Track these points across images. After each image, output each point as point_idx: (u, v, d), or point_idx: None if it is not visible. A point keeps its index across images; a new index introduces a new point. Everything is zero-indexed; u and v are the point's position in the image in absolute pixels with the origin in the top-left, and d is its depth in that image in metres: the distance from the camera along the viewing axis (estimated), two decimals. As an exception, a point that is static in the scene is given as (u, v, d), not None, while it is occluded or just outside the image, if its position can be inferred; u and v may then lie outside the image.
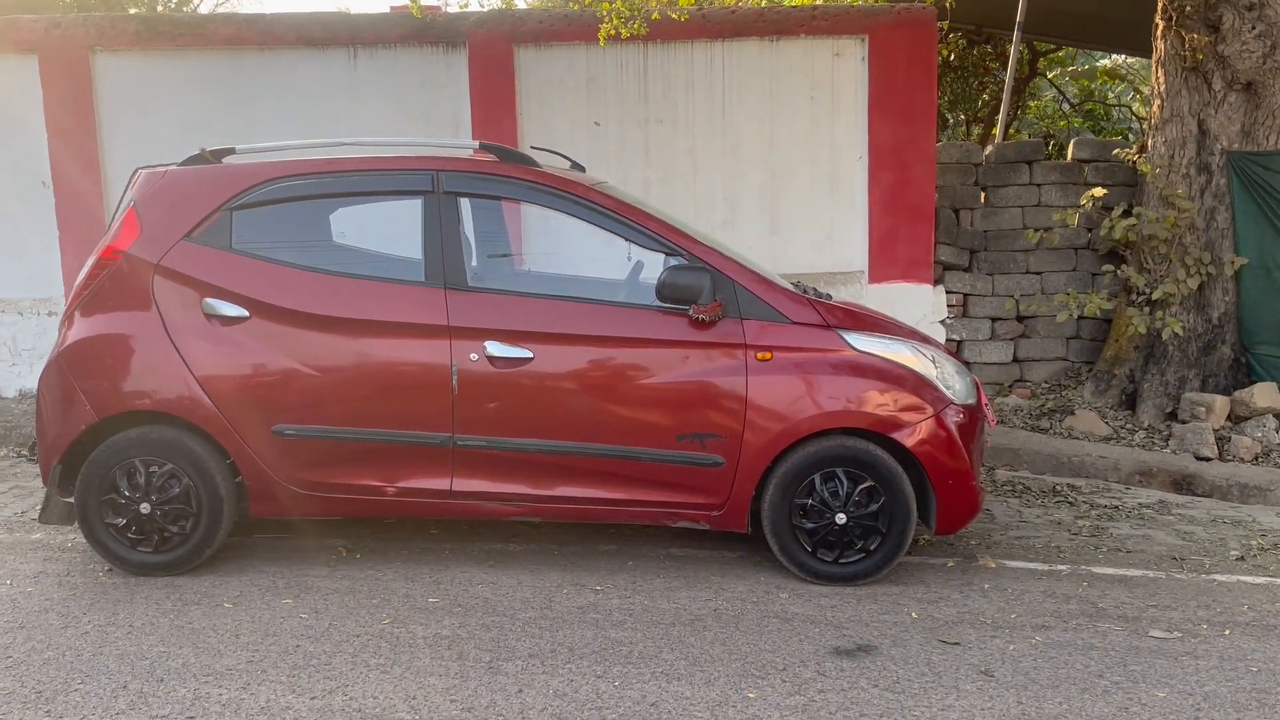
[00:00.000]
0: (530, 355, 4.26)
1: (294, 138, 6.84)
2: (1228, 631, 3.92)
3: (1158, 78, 7.27)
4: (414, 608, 4.07)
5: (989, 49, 13.02)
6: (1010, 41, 12.31)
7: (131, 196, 4.48)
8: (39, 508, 4.55)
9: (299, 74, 7.32)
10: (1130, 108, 14.33)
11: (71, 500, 4.37)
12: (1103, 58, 14.93)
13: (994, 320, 7.89)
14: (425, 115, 7.35)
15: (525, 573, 4.47)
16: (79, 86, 7.23)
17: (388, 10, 7.79)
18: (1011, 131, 13.39)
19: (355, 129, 7.22)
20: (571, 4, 8.85)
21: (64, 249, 7.34)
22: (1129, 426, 7.08)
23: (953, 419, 4.33)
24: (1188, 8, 6.80)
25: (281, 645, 3.71)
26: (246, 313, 4.30)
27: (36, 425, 4.43)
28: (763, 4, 9.84)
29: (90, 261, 4.47)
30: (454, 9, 7.48)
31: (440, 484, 4.35)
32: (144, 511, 4.29)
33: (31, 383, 7.40)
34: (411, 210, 4.40)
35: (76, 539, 4.81)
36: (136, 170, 4.58)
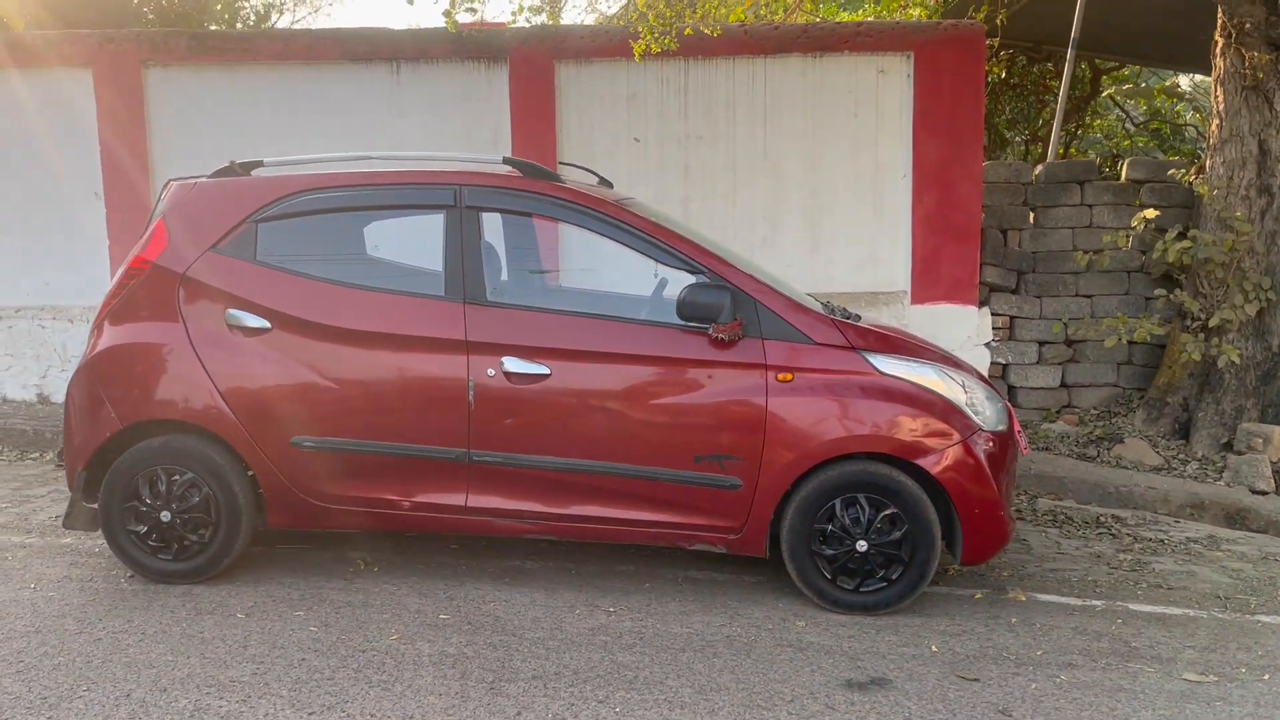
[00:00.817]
0: (548, 371, 4.22)
1: (337, 151, 6.95)
2: (1266, 676, 3.73)
3: (1216, 97, 7.03)
4: (424, 624, 4.04)
5: (1049, 67, 12.76)
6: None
7: (162, 208, 4.55)
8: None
9: (343, 88, 7.42)
10: (1196, 128, 13.92)
11: (95, 506, 4.42)
12: (1167, 76, 14.55)
13: (1041, 344, 7.68)
14: (466, 130, 7.39)
15: (539, 591, 4.42)
16: (131, 99, 7.40)
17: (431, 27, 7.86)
18: (1073, 150, 13.09)
19: (397, 143, 7.28)
20: (616, 20, 8.85)
21: (113, 258, 7.50)
22: (1181, 457, 6.82)
23: (981, 446, 4.19)
24: (1248, 25, 6.57)
25: (288, 658, 3.70)
26: (268, 324, 4.32)
27: (64, 431, 4.49)
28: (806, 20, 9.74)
29: (120, 271, 4.54)
30: (494, 22, 7.47)
31: (455, 499, 4.32)
32: (164, 519, 4.33)
33: (79, 389, 7.56)
34: (434, 224, 4.39)
35: (103, 545, 4.87)
36: (169, 182, 4.65)
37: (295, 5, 33.54)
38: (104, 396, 4.37)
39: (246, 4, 31.76)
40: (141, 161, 7.44)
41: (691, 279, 4.27)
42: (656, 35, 6.31)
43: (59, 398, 7.67)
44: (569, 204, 4.39)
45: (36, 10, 16.39)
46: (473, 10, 6.63)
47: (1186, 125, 14.42)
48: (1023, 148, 14.22)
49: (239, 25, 28.11)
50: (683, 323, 4.20)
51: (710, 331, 4.16)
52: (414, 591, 4.39)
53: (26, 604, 4.18)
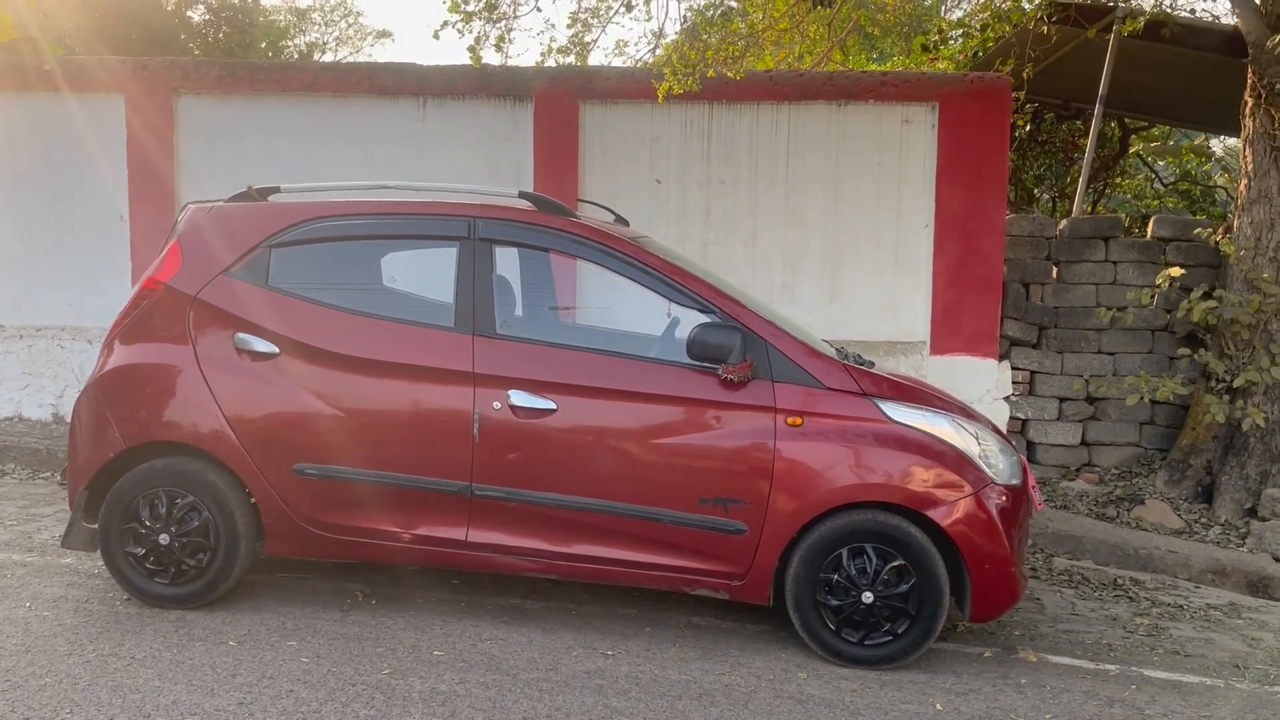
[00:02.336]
0: (554, 407, 4.17)
1: (362, 181, 7.01)
2: (1286, 752, 3.58)
3: (1245, 157, 6.96)
4: (417, 659, 3.96)
5: (1078, 125, 12.74)
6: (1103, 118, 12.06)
7: (178, 230, 4.56)
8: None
9: (370, 121, 7.48)
10: (1225, 190, 13.83)
11: (95, 527, 4.39)
12: (1197, 136, 14.48)
13: (1062, 400, 7.56)
14: (489, 166, 7.43)
15: (537, 631, 4.34)
16: (161, 126, 7.50)
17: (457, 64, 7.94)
18: (1100, 209, 13.02)
19: (421, 176, 7.32)
20: (642, 63, 8.91)
21: (135, 280, 7.55)
22: (1204, 521, 6.66)
23: (993, 500, 4.09)
24: (1277, 86, 6.52)
25: (276, 689, 3.63)
26: (277, 349, 4.31)
27: (68, 450, 4.48)
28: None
29: (134, 291, 4.55)
30: (519, 63, 7.53)
31: (456, 534, 4.26)
32: (163, 542, 4.29)
33: (94, 410, 7.58)
34: (446, 255, 4.38)
35: (103, 566, 4.83)
36: (186, 205, 4.67)
37: (338, 46, 34.30)
38: (110, 416, 4.35)
39: (290, 44, 32.46)
40: (168, 187, 7.52)
41: (703, 318, 4.23)
42: (680, 77, 6.33)
43: (74, 418, 7.69)
44: (582, 239, 4.36)
45: (89, 37, 16.80)
46: (500, 48, 6.68)
47: (1217, 187, 14.33)
48: (1050, 204, 14.17)
49: (311, 58, 28.65)
50: (693, 362, 4.15)
51: (720, 372, 4.10)
52: (410, 626, 4.31)
53: (19, 622, 4.13)
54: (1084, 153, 13.29)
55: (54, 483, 6.67)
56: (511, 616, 4.51)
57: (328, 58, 33.12)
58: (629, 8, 6.30)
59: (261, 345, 4.32)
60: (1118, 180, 14.26)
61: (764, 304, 4.69)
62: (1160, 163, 14.36)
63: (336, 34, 34.36)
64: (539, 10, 7.24)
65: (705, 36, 7.29)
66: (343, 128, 7.49)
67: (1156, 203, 14.53)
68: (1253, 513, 6.62)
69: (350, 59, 33.91)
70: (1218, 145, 15.18)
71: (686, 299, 4.29)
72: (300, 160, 7.47)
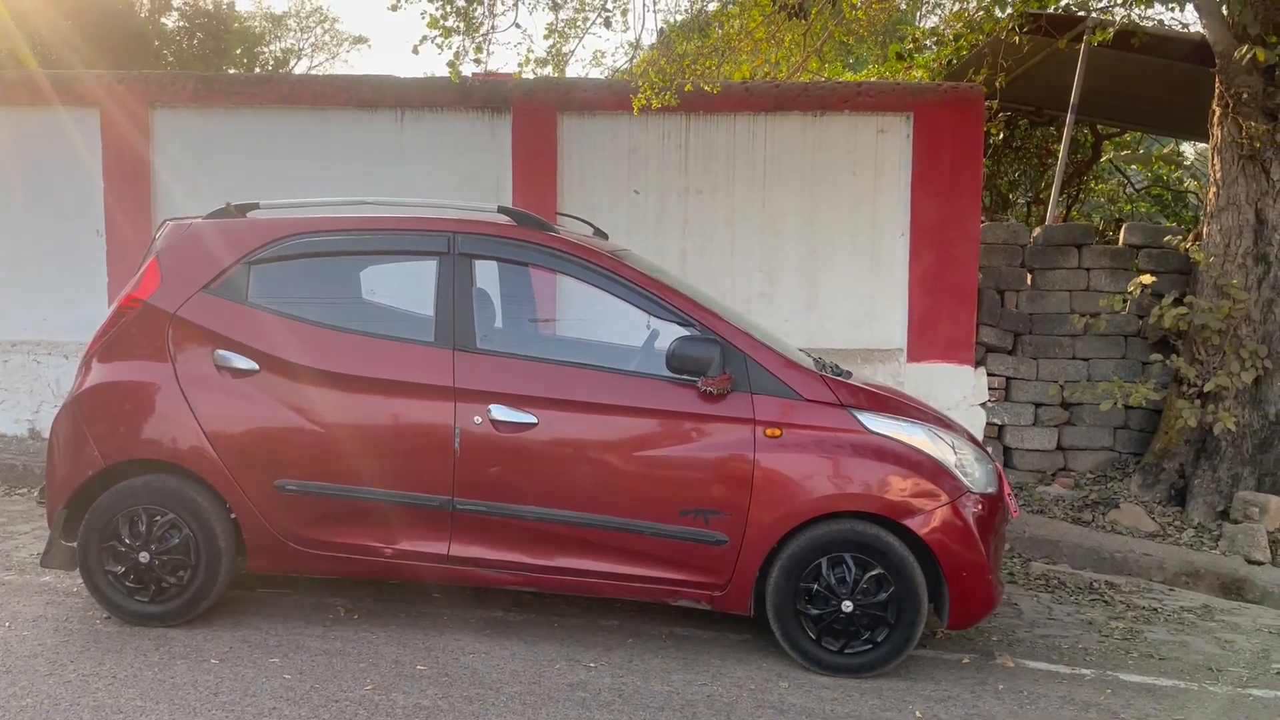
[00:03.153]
0: (535, 420, 4.20)
1: (341, 196, 7.00)
2: (1257, 754, 3.64)
3: (1214, 165, 7.07)
4: (400, 674, 3.97)
5: (1052, 131, 12.88)
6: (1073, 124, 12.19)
7: (157, 247, 4.56)
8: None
9: (348, 134, 7.48)
10: (1196, 195, 14.00)
11: (74, 545, 4.38)
12: (1167, 143, 14.66)
13: (1037, 405, 7.64)
14: (468, 178, 7.44)
15: (520, 644, 4.35)
16: (137, 139, 7.47)
17: (435, 76, 7.95)
18: (1075, 214, 13.16)
19: (400, 189, 7.33)
20: (620, 75, 8.96)
21: (112, 296, 7.51)
22: (1177, 524, 6.75)
23: (970, 508, 4.14)
24: (1245, 95, 6.63)
25: (258, 707, 3.63)
26: (256, 366, 4.31)
27: (46, 468, 4.46)
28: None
29: (112, 309, 4.54)
30: (500, 73, 7.55)
31: (438, 548, 4.27)
32: (143, 560, 4.28)
33: (71, 425, 7.54)
34: (426, 271, 4.40)
35: (82, 584, 4.81)
36: (164, 221, 4.66)
37: (313, 52, 34.16)
38: (88, 434, 4.34)
39: (265, 50, 32.30)
40: (144, 201, 7.49)
41: (682, 331, 4.26)
42: (657, 91, 6.37)
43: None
44: (562, 254, 4.39)
45: (61, 49, 16.71)
46: (478, 61, 6.70)
47: (1189, 192, 14.51)
48: (1025, 210, 14.31)
49: (257, 70, 28.59)
50: (672, 375, 4.18)
51: (699, 385, 4.14)
52: (392, 641, 4.32)
53: (-1, 643, 4.12)
54: (1057, 158, 13.49)
55: (30, 499, 6.63)
56: (494, 630, 4.53)
57: (303, 64, 33.01)
58: (607, 24, 6.34)
59: (241, 362, 4.32)
60: (1091, 185, 14.42)
61: (742, 316, 4.73)
62: (1133, 168, 14.54)
63: (312, 40, 34.23)
64: (517, 26, 7.21)
65: (681, 48, 7.30)
66: (321, 140, 7.49)
67: (1129, 207, 14.69)
68: (1225, 515, 6.72)
69: (326, 65, 33.79)
70: (1189, 149, 15.36)
71: (665, 312, 4.32)
72: (278, 173, 7.46)
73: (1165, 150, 12.46)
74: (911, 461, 4.15)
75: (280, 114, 7.49)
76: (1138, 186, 14.68)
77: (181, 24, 25.47)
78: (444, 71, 6.99)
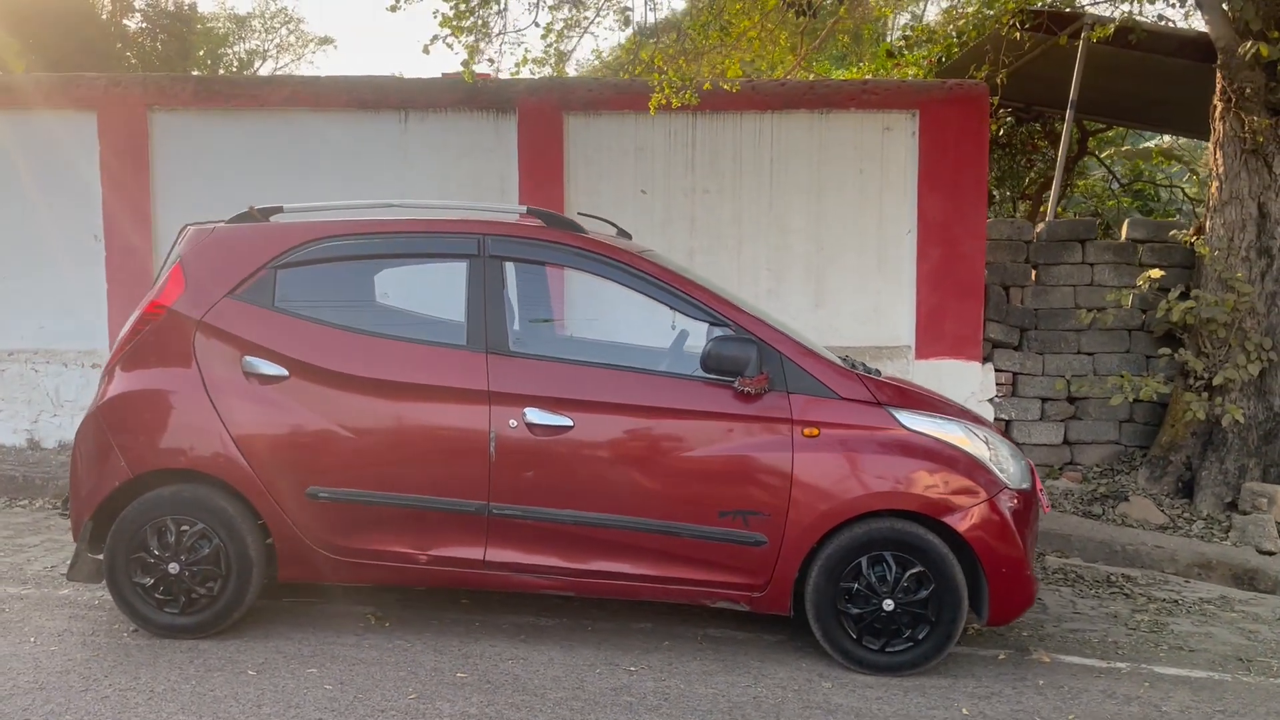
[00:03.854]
0: (570, 424, 4.16)
1: (344, 198, 6.93)
2: (1304, 744, 3.67)
3: (1216, 160, 7.13)
4: (441, 682, 3.92)
5: (1037, 127, 12.98)
6: (1058, 120, 12.29)
7: (178, 252, 4.48)
8: (68, 564, 4.47)
9: (350, 136, 7.41)
10: (1183, 189, 14.17)
11: (101, 557, 4.29)
12: (1152, 138, 14.81)
13: (1044, 400, 7.69)
14: (473, 179, 7.39)
15: (556, 649, 4.32)
16: (135, 143, 7.36)
17: (440, 76, 7.89)
18: (1060, 210, 13.27)
19: (404, 190, 7.27)
20: (622, 74, 8.92)
21: (112, 302, 7.40)
22: (1186, 516, 6.81)
23: (1006, 504, 4.15)
24: (1248, 90, 6.69)
25: (303, 718, 3.57)
26: (286, 372, 4.25)
27: (71, 480, 4.37)
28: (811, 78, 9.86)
29: (134, 316, 4.45)
30: (503, 75, 7.50)
31: (474, 554, 4.23)
32: (172, 571, 4.20)
33: (72, 434, 7.40)
34: (456, 273, 4.35)
35: (103, 596, 4.73)
36: (185, 226, 4.58)
37: (279, 53, 33.79)
38: (114, 444, 4.26)
39: (230, 51, 31.93)
40: (143, 206, 7.38)
41: (713, 331, 4.24)
42: (676, 89, 6.34)
43: (50, 443, 7.52)
44: (593, 255, 4.36)
45: (27, 53, 16.43)
46: (491, 61, 6.65)
47: (1172, 186, 14.67)
48: (1012, 206, 14.41)
49: (221, 70, 28.26)
50: (707, 375, 4.16)
51: (736, 385, 4.12)
52: (429, 648, 4.27)
53: (28, 659, 4.03)
54: (1043, 154, 13.59)
55: (34, 510, 6.52)
56: (528, 635, 4.48)
57: (268, 65, 32.65)
58: (626, 22, 6.30)
59: (270, 368, 4.26)
60: (1077, 182, 14.55)
61: (772, 316, 4.71)
62: (1117, 164, 14.68)
63: (277, 41, 33.83)
64: (536, 25, 7.15)
65: (699, 43, 7.28)
66: (323, 143, 7.41)
67: (1114, 203, 14.84)
68: (1233, 506, 6.79)
69: (292, 66, 33.44)
70: (1164, 141, 15.53)
71: (700, 312, 4.30)
72: (279, 176, 7.37)
73: (1163, 147, 12.56)
74: (949, 458, 4.15)
75: (281, 116, 7.40)
76: (1122, 182, 14.83)
77: (144, 25, 25.15)
78: (427, 72, 6.93)
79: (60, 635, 4.30)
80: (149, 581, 4.22)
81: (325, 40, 35.02)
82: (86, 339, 7.45)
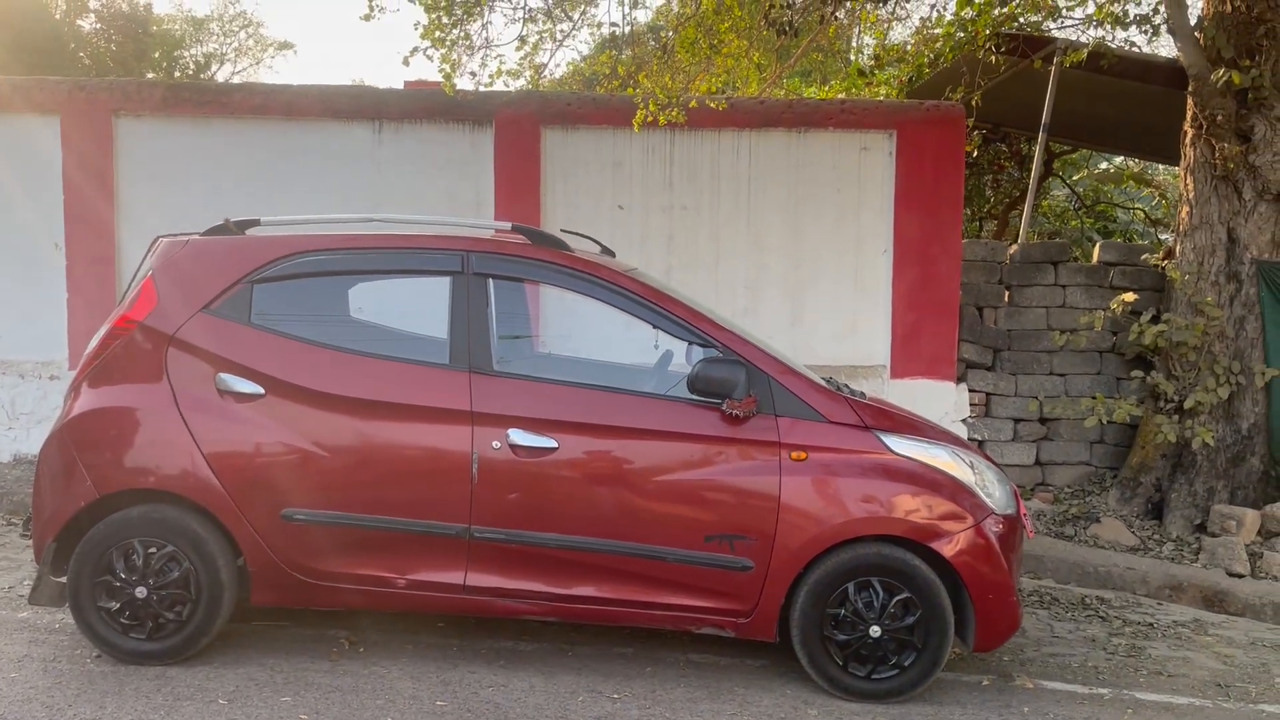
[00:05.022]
0: (555, 445, 4.08)
1: (315, 209, 6.80)
2: (1290, 773, 3.68)
3: (1186, 184, 7.22)
4: (421, 711, 3.82)
5: (1003, 147, 13.13)
6: (1024, 140, 12.45)
7: (150, 265, 4.35)
8: (29, 587, 4.31)
9: (322, 146, 7.27)
10: (1144, 211, 14.40)
11: (64, 580, 4.13)
12: (1113, 160, 15.04)
13: (1016, 421, 7.73)
14: (448, 191, 7.29)
15: (537, 675, 4.22)
16: (99, 149, 7.17)
17: (401, 86, 7.78)
18: (1030, 233, 13.42)
19: (377, 202, 7.15)
20: (598, 87, 8.88)
21: (72, 312, 7.19)
22: (1156, 537, 6.86)
23: (992, 529, 4.13)
24: (1219, 117, 6.78)
25: (279, 750, 3.45)
26: (262, 390, 4.12)
27: (33, 500, 4.21)
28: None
29: (103, 331, 4.31)
30: (474, 87, 7.40)
31: (454, 578, 4.12)
32: (139, 595, 4.05)
33: (29, 447, 7.20)
34: (438, 290, 4.26)
35: (65, 620, 4.56)
36: (157, 238, 4.45)
37: (237, 57, 33.34)
38: (80, 463, 4.10)
39: (186, 54, 31.46)
40: (107, 213, 7.18)
41: (702, 352, 4.19)
42: (662, 107, 6.29)
43: (5, 457, 7.29)
44: (579, 273, 4.29)
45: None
46: (473, 75, 6.57)
47: (1132, 208, 14.92)
48: (977, 224, 14.57)
49: (177, 74, 27.85)
50: (694, 397, 4.10)
51: (724, 407, 4.06)
52: (405, 675, 4.16)
53: (-14, 687, 3.86)
54: (1009, 174, 13.76)
55: (-11, 527, 6.30)
56: (507, 660, 4.39)
57: (226, 69, 32.23)
58: (606, 40, 6.23)
59: (245, 385, 4.13)
60: (1041, 202, 14.74)
61: (758, 336, 4.67)
62: (1082, 185, 14.90)
63: (236, 45, 33.39)
64: (523, 40, 7.07)
65: (686, 61, 7.25)
66: (294, 152, 7.27)
67: (1076, 223, 15.06)
68: (1202, 528, 6.85)
69: (250, 71, 33.02)
70: (1133, 164, 15.80)
71: (687, 332, 4.25)
72: (249, 186, 7.22)
73: (1135, 170, 12.76)
74: (936, 483, 4.12)
75: (251, 124, 7.25)
76: (1086, 204, 15.05)
77: (98, 26, 24.74)
78: (392, 80, 6.83)
79: (20, 661, 4.13)
80: (115, 606, 4.07)
81: (285, 45, 34.64)
82: (45, 350, 7.23)
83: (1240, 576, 6.26)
